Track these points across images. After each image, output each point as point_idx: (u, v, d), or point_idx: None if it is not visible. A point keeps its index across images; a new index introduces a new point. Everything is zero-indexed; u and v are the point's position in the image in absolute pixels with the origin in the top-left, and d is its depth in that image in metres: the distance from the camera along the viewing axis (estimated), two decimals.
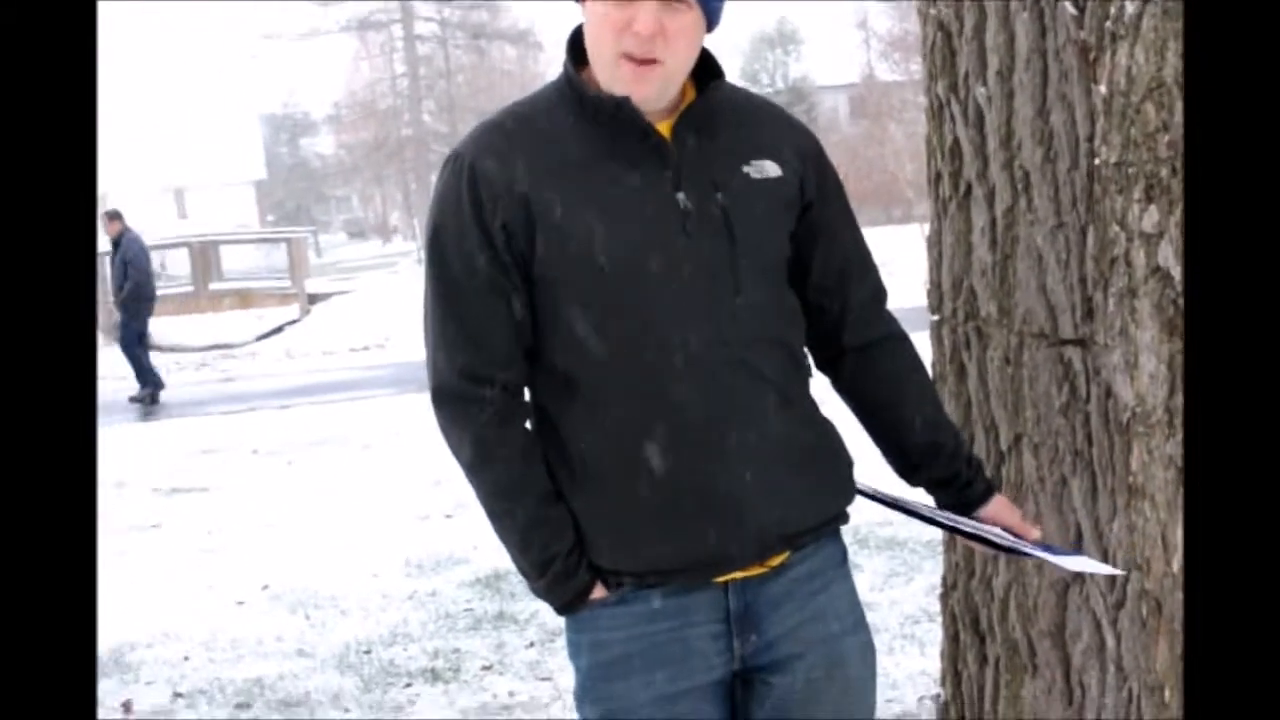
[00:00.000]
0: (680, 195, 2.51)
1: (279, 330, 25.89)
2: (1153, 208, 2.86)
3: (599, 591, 2.54)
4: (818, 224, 2.68)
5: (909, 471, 2.80)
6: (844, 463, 2.71)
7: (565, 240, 2.46)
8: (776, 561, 2.60)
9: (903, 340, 2.81)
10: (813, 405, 2.68)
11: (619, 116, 2.48)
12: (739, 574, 2.57)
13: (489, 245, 2.47)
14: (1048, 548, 2.80)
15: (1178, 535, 2.90)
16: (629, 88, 2.46)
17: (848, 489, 2.71)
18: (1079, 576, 3.16)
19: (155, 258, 21.22)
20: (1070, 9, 3.02)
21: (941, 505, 2.80)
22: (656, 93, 2.50)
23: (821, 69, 52.45)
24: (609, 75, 2.48)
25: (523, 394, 2.59)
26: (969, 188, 3.36)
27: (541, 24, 54.76)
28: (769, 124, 2.70)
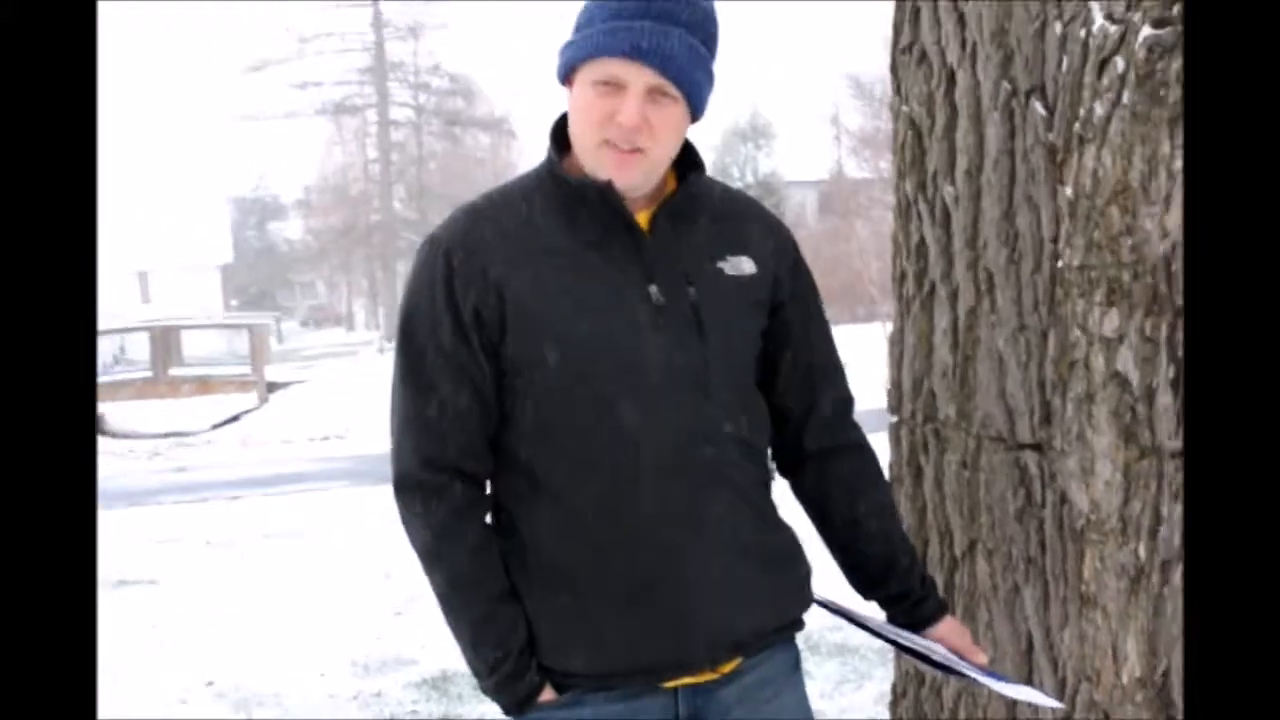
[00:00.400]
0: (653, 288, 2.49)
1: (236, 419, 25.75)
2: (1114, 311, 2.84)
3: (548, 693, 2.49)
4: (789, 325, 2.68)
5: (863, 585, 2.78)
6: (802, 569, 2.68)
7: (535, 329, 2.44)
8: (729, 668, 2.56)
9: (866, 451, 2.80)
10: (773, 508, 2.66)
11: (600, 202, 2.47)
12: (689, 679, 2.53)
13: (460, 331, 2.45)
14: (991, 673, 2.76)
15: (1128, 645, 2.88)
16: (612, 174, 2.46)
17: (805, 595, 2.68)
18: (1028, 685, 3.12)
19: (114, 342, 21.11)
20: (1040, 110, 3.02)
21: (892, 620, 2.77)
22: (639, 180, 2.49)
23: (792, 164, 52.87)
24: (592, 161, 2.48)
25: (485, 486, 2.56)
26: (933, 287, 3.35)
27: (517, 112, 55.28)
28: (747, 220, 2.69)
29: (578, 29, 2.48)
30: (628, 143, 2.43)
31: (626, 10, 2.40)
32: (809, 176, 52.01)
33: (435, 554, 2.51)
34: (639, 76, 2.40)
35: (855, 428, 2.80)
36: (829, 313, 2.80)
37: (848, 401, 2.80)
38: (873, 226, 33.21)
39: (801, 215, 50.88)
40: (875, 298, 29.27)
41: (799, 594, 2.67)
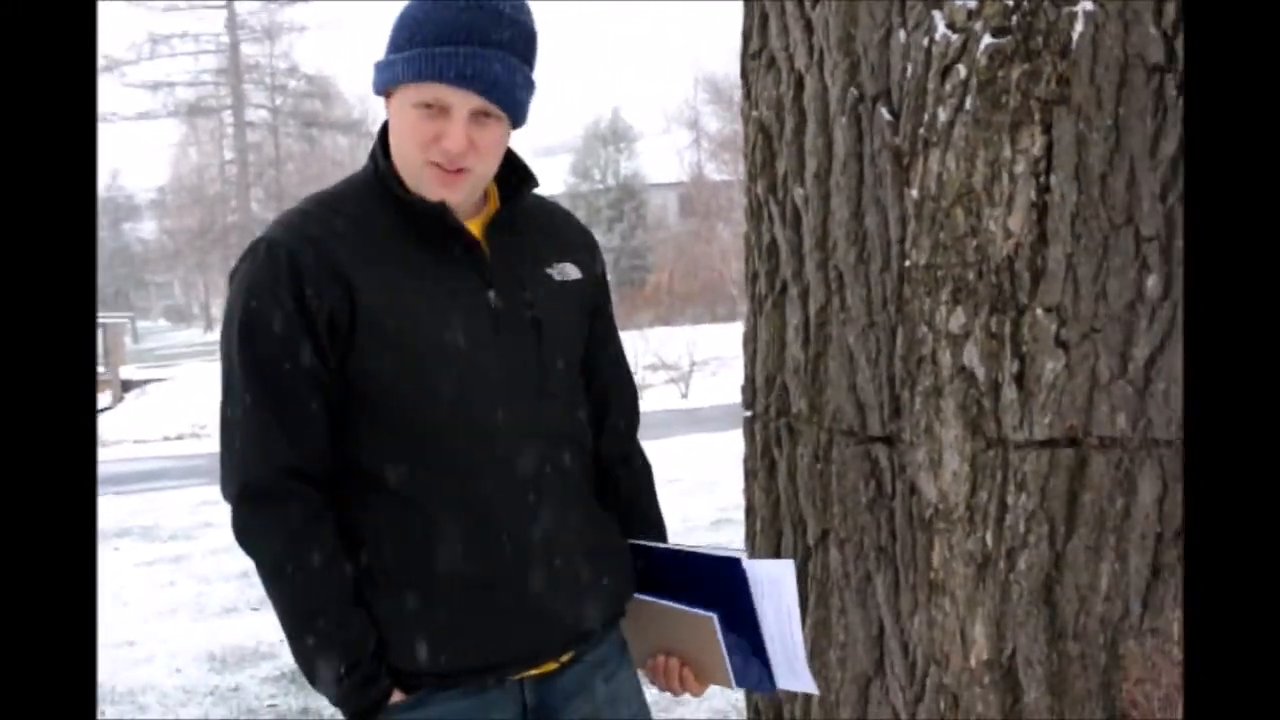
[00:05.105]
0: (491, 294, 2.53)
1: None
2: (959, 309, 2.94)
3: (397, 695, 2.50)
4: (598, 330, 2.77)
5: None
6: (627, 558, 2.76)
7: (382, 333, 2.44)
8: (567, 657, 2.63)
9: (648, 469, 2.91)
10: (599, 503, 2.74)
11: (434, 218, 2.49)
12: (534, 671, 2.58)
13: (311, 334, 2.42)
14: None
15: (976, 630, 2.97)
16: (437, 193, 2.48)
17: (631, 583, 2.76)
18: (880, 670, 3.21)
19: None
20: (886, 115, 3.09)
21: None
22: (465, 197, 2.53)
23: (652, 167, 52.98)
24: (415, 179, 2.49)
25: (331, 491, 2.52)
26: (784, 286, 3.41)
27: (375, 114, 54.72)
28: (566, 229, 2.78)
29: (396, 47, 2.47)
30: (453, 165, 2.46)
31: (448, 34, 2.41)
32: (669, 179, 52.15)
33: (285, 562, 2.47)
34: (464, 101, 2.42)
35: (638, 443, 2.90)
36: (691, 313, 2.88)
37: (636, 412, 2.91)
38: (733, 228, 33.42)
39: (662, 217, 51.04)
40: (736, 298, 29.46)
41: (628, 582, 2.75)
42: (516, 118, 2.52)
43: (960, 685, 3.01)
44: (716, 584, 2.66)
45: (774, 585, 2.61)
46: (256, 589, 8.90)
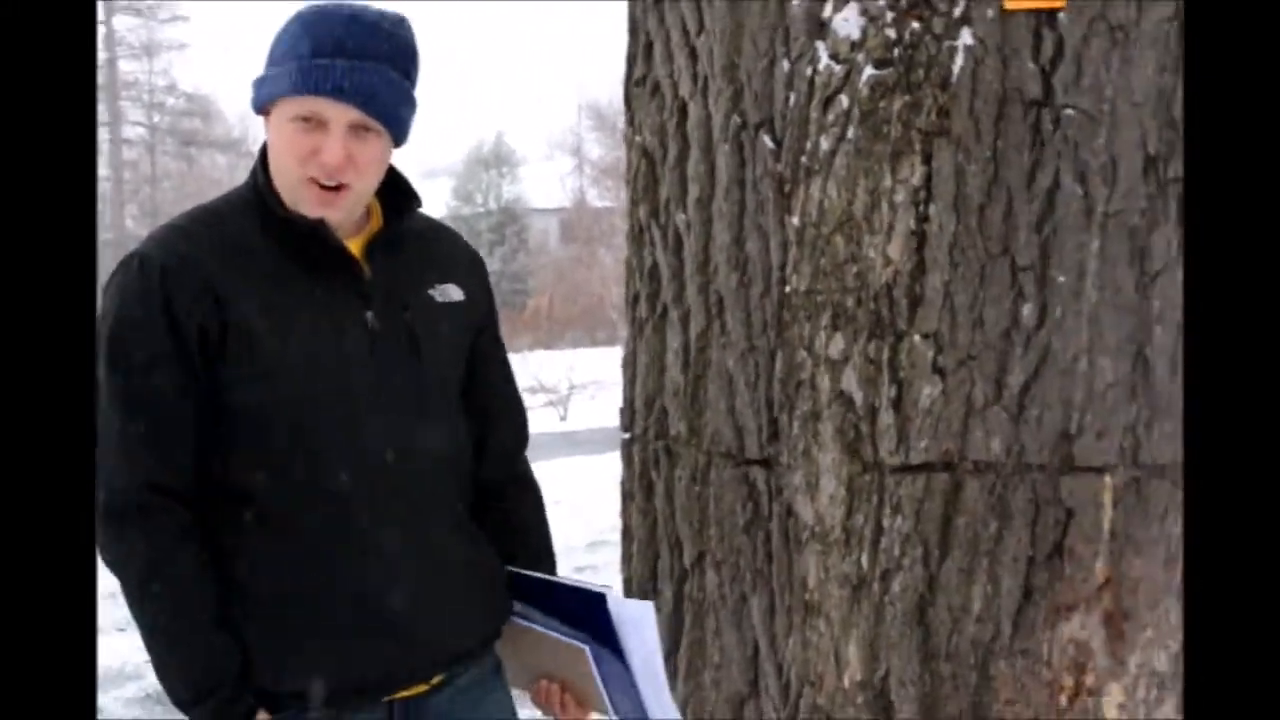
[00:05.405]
0: (369, 314, 2.51)
1: None
2: (839, 335, 2.98)
3: (262, 716, 2.46)
4: (482, 353, 2.75)
5: None
6: (503, 580, 2.75)
7: (255, 351, 2.41)
8: (439, 678, 2.61)
9: (536, 490, 2.91)
10: (476, 525, 2.72)
11: (312, 237, 2.47)
12: (405, 692, 2.57)
13: (182, 349, 2.40)
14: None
15: (850, 651, 3.00)
16: (316, 210, 2.46)
17: (506, 605, 2.75)
18: (754, 691, 3.23)
19: None
20: (768, 143, 3.12)
21: None
22: (345, 214, 2.51)
23: (534, 192, 52.95)
24: (294, 196, 2.47)
25: (199, 509, 2.47)
26: (665, 309, 3.42)
27: (256, 134, 54.26)
28: (452, 249, 2.76)
29: (274, 61, 2.46)
30: (332, 180, 2.44)
31: (326, 47, 2.40)
32: (552, 204, 52.13)
33: (149, 579, 2.43)
34: (342, 114, 2.41)
35: (527, 464, 2.89)
36: (571, 338, 2.88)
37: (525, 434, 2.90)
38: (614, 254, 33.42)
39: (544, 242, 51.01)
40: (616, 322, 29.52)
41: (503, 605, 2.74)
42: (397, 133, 2.51)
43: (834, 706, 3.03)
44: (587, 616, 2.65)
45: (635, 626, 2.62)
46: (123, 609, 8.75)
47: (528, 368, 25.20)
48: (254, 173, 2.54)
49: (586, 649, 2.63)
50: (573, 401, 26.93)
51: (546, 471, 2.93)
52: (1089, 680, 2.97)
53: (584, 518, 11.76)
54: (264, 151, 2.55)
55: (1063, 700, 2.96)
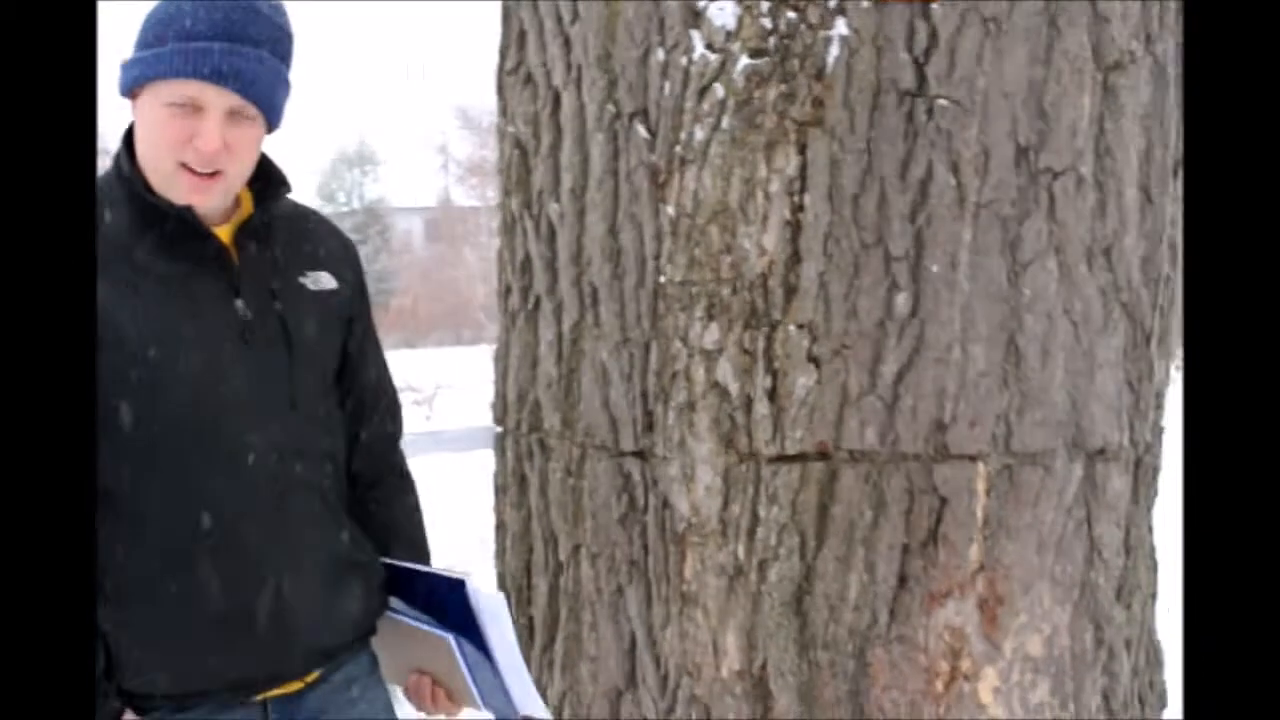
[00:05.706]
0: (239, 303, 2.46)
1: None
2: (714, 325, 2.98)
3: (130, 716, 2.40)
4: (356, 340, 2.71)
5: None
6: (377, 575, 2.71)
7: (119, 341, 2.34)
8: (313, 675, 2.58)
9: (409, 482, 2.88)
10: (351, 519, 2.68)
11: (181, 224, 2.42)
12: (278, 690, 2.52)
13: None
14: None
15: (728, 641, 3.01)
16: (188, 197, 2.41)
17: (382, 601, 2.71)
18: (631, 683, 3.22)
19: None
20: (643, 133, 3.12)
21: None
22: (218, 202, 2.47)
23: (398, 191, 52.59)
24: (165, 183, 2.41)
25: None
26: (538, 301, 3.41)
27: (114, 132, 53.57)
28: (323, 237, 2.70)
29: (146, 44, 2.40)
30: (207, 166, 2.39)
31: (200, 30, 2.35)
32: (416, 203, 51.83)
33: None
34: (219, 99, 2.36)
35: (402, 457, 2.87)
36: (436, 337, 2.84)
37: (399, 426, 2.87)
38: (480, 253, 33.39)
39: (408, 241, 50.72)
40: (483, 322, 29.45)
41: (378, 600, 2.70)
42: (273, 119, 2.47)
43: (712, 696, 3.04)
44: (449, 605, 2.63)
45: (492, 616, 2.60)
46: None
47: (393, 367, 25.11)
48: (117, 158, 2.48)
49: (450, 638, 2.61)
50: (438, 400, 26.82)
51: (414, 469, 2.91)
52: (965, 665, 2.99)
53: (455, 514, 11.72)
54: (128, 135, 2.48)
55: (939, 686, 2.99)
